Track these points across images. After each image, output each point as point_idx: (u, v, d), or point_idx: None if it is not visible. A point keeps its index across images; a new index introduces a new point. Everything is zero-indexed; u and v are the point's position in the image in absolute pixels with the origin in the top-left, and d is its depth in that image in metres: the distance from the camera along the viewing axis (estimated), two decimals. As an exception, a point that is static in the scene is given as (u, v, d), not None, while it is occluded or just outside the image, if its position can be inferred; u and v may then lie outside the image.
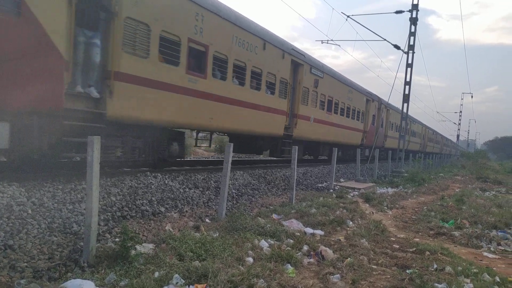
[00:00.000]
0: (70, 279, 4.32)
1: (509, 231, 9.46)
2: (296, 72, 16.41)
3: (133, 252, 5.08)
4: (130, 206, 7.43)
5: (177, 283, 4.45)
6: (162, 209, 7.87)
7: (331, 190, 13.93)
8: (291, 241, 6.67)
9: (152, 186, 8.56)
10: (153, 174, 9.18)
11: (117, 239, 5.79)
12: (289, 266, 5.49)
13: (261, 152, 16.70)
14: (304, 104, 17.12)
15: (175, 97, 9.86)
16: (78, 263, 4.95)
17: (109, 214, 6.85)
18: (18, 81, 6.51)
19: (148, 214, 7.46)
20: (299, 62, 16.25)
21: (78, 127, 7.46)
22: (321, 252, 6.20)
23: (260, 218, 7.95)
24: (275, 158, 19.30)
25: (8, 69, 6.38)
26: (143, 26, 8.77)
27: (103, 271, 4.71)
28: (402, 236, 8.34)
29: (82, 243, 5.32)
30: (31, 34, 6.66)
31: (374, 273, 5.72)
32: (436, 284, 5.25)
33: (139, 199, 7.80)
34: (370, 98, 27.02)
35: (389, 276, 5.62)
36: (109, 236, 6.07)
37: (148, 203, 7.81)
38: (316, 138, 18.99)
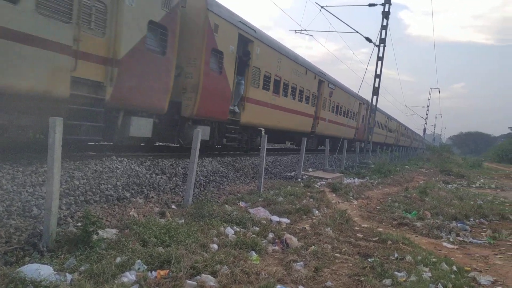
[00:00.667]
0: (27, 264, 4.21)
1: (468, 222, 9.80)
2: (320, 87, 23.60)
3: (95, 237, 4.97)
4: (94, 190, 7.28)
5: (139, 268, 4.40)
6: (127, 194, 7.74)
7: (299, 179, 14.04)
8: (257, 228, 6.69)
9: (118, 171, 8.40)
10: (119, 159, 9.01)
11: (79, 224, 5.66)
12: (253, 253, 5.50)
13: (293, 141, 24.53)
14: (322, 108, 24.20)
15: (266, 110, 16.63)
16: (37, 248, 4.81)
17: (71, 198, 6.69)
18: (223, 103, 13.39)
19: (113, 199, 7.33)
20: (322, 80, 23.66)
21: (228, 129, 14.35)
22: (286, 240, 6.25)
23: (227, 206, 7.93)
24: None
25: (218, 99, 12.88)
26: (257, 70, 15.51)
27: (62, 256, 4.60)
28: (366, 225, 8.49)
29: (42, 227, 5.17)
30: (223, 82, 13.08)
31: (337, 261, 5.81)
32: (396, 273, 5.37)
33: (104, 184, 7.64)
34: (362, 102, 33.22)
35: (351, 264, 5.71)
36: (71, 221, 5.93)
37: (113, 188, 7.67)
38: (328, 133, 25.05)
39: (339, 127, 27.16)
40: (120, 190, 7.74)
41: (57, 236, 4.97)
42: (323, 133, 24.68)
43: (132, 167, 8.93)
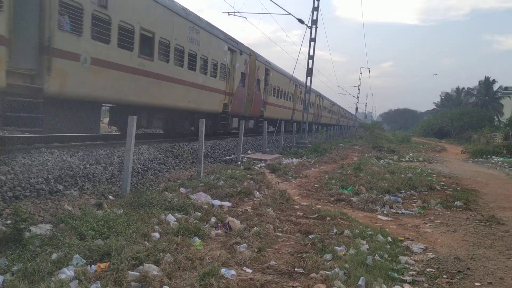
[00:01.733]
0: (-49, 268, 3.90)
1: (400, 195, 10.35)
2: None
3: (27, 234, 4.71)
4: (23, 185, 6.86)
5: (77, 263, 4.23)
6: (61, 187, 7.38)
7: (239, 162, 14.09)
8: (199, 214, 6.65)
9: (49, 163, 7.97)
10: (49, 151, 8.54)
11: (8, 222, 5.32)
12: (196, 238, 5.47)
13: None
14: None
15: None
16: (-38, 250, 4.47)
17: (-2, 194, 6.27)
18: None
19: (45, 193, 6.96)
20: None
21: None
22: (228, 223, 6.27)
23: (167, 193, 7.81)
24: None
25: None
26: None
27: (-9, 256, 4.31)
28: (305, 203, 8.71)
29: (-34, 227, 4.81)
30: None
31: (279, 240, 5.92)
32: (336, 247, 5.58)
33: (34, 178, 7.22)
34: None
35: (293, 242, 5.85)
36: (-1, 219, 5.56)
37: (44, 181, 7.27)
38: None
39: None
40: (52, 183, 7.36)
41: (-16, 236, 4.65)
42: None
43: (64, 158, 8.50)
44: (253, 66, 21.59)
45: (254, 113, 22.68)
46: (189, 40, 14.24)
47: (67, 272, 4.01)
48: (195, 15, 15.16)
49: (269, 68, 24.58)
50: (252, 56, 21.68)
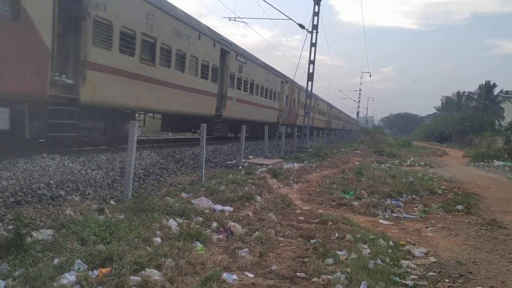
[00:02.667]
0: (-47, 274, 3.91)
1: (401, 199, 10.33)
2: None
3: (28, 239, 4.71)
4: (25, 190, 6.87)
5: (79, 268, 4.23)
6: (62, 193, 7.39)
7: (240, 167, 14.09)
8: (200, 218, 6.64)
9: (50, 169, 7.98)
10: (50, 156, 8.55)
11: (10, 227, 5.33)
12: (198, 243, 5.47)
13: None
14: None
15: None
16: (-36, 255, 4.47)
17: (0, 200, 6.28)
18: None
19: (46, 198, 6.97)
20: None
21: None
22: (230, 228, 6.26)
23: (168, 198, 7.81)
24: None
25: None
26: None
27: (-7, 262, 4.32)
28: (307, 208, 8.71)
29: (-32, 233, 4.81)
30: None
31: (281, 244, 5.92)
32: (338, 252, 5.57)
33: (36, 183, 7.23)
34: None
35: (294, 247, 5.85)
36: (1, 224, 5.57)
37: (45, 187, 7.28)
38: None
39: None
40: (54, 189, 7.37)
41: (-14, 242, 4.65)
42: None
43: (66, 163, 8.52)
44: (292, 90, 30.29)
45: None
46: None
47: (69, 277, 4.01)
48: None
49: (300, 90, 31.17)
50: (291, 84, 30.42)
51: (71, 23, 9.33)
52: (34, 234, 5.00)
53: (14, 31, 7.56)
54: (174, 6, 13.50)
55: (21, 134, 8.22)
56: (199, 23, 15.81)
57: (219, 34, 17.62)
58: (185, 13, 14.58)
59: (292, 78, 28.89)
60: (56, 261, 4.32)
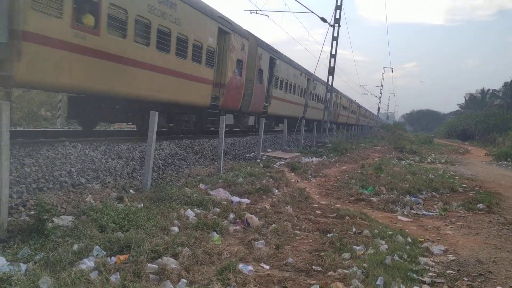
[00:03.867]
0: (-23, 255, 4.02)
1: (420, 196, 10.20)
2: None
3: (49, 225, 4.82)
4: (47, 177, 7.01)
5: (97, 254, 4.30)
6: (83, 180, 7.52)
7: (258, 160, 14.10)
8: (218, 209, 6.68)
9: (72, 157, 8.12)
10: (72, 144, 8.69)
11: (32, 212, 5.45)
12: (215, 234, 5.51)
13: None
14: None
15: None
16: (-13, 238, 4.60)
17: (22, 186, 6.41)
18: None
19: (67, 186, 7.09)
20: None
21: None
22: (246, 220, 6.28)
23: (186, 188, 7.86)
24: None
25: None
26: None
27: (15, 245, 4.43)
28: (324, 202, 8.67)
29: (-9, 217, 4.93)
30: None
31: (297, 238, 5.91)
32: (355, 246, 5.53)
33: (57, 170, 7.37)
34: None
35: (311, 240, 5.83)
36: (23, 209, 5.69)
37: (67, 174, 7.41)
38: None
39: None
40: (75, 176, 7.50)
41: (9, 226, 4.77)
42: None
43: (87, 152, 8.65)
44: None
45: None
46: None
47: (88, 263, 4.08)
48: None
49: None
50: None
51: None
52: (55, 220, 5.09)
53: None
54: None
55: None
56: (270, 46, 21.52)
57: (270, 46, 21.46)
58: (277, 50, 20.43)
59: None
60: (75, 246, 4.40)
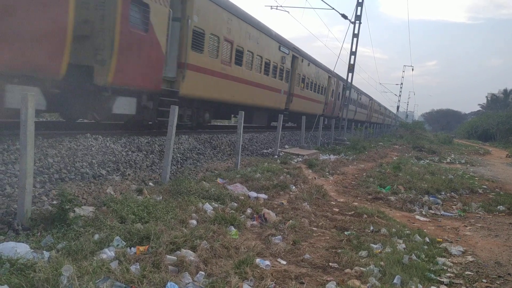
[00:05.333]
0: (2, 242, 4.13)
1: (439, 196, 10.09)
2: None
3: (71, 214, 4.91)
4: (69, 168, 7.15)
5: (118, 245, 4.38)
6: (103, 172, 7.64)
7: (276, 156, 14.11)
8: (235, 204, 6.72)
9: (93, 148, 8.26)
10: (93, 136, 8.84)
11: (54, 202, 5.56)
12: (232, 228, 5.55)
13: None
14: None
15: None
16: (12, 226, 4.71)
17: (46, 176, 6.56)
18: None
19: (88, 177, 7.22)
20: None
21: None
22: (264, 215, 6.31)
23: (204, 182, 7.92)
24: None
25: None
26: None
27: (39, 234, 4.53)
28: (342, 200, 8.65)
29: (16, 205, 5.06)
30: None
31: (314, 234, 5.92)
32: (372, 245, 5.52)
33: (79, 161, 7.51)
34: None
35: (328, 238, 5.84)
36: (46, 199, 5.81)
37: (88, 166, 7.54)
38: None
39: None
40: (96, 168, 7.63)
41: (32, 215, 4.88)
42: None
43: (108, 144, 8.78)
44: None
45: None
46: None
47: (108, 253, 4.16)
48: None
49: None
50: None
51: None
52: (77, 210, 5.19)
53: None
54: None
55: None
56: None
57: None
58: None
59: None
60: (96, 236, 4.49)
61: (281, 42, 20.64)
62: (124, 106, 9.90)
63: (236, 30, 15.09)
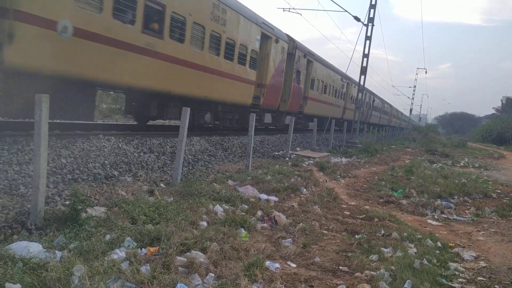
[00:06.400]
0: (16, 241, 4.19)
1: (452, 200, 9.97)
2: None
3: (83, 215, 4.96)
4: (81, 169, 7.23)
5: (128, 246, 4.41)
6: (116, 173, 7.71)
7: (287, 158, 14.10)
8: (246, 206, 6.73)
9: (105, 149, 8.34)
10: (106, 137, 8.93)
11: (67, 202, 5.63)
12: (242, 230, 5.55)
13: None
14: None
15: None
16: (25, 226, 4.77)
17: (59, 176, 6.64)
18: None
19: (101, 178, 7.29)
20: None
21: None
22: (274, 217, 6.30)
23: (215, 184, 7.95)
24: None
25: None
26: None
27: (51, 233, 4.59)
28: (353, 203, 8.60)
29: (29, 205, 5.13)
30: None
31: (325, 237, 5.90)
32: (383, 249, 5.48)
33: (92, 162, 7.59)
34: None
35: (338, 241, 5.81)
36: (59, 199, 5.89)
37: (100, 167, 7.62)
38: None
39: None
40: (108, 169, 7.70)
41: (45, 214, 4.94)
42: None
43: (120, 145, 8.87)
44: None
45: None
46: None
47: (119, 253, 4.19)
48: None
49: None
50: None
51: None
52: (89, 210, 5.24)
53: None
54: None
55: None
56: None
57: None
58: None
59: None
60: (108, 237, 4.53)
61: (344, 76, 27.25)
62: None
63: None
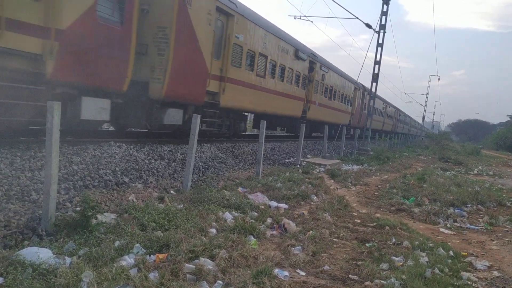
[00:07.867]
0: (26, 247, 4.22)
1: (465, 209, 9.83)
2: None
3: (93, 221, 4.99)
4: (92, 175, 7.28)
5: (137, 252, 4.42)
6: (126, 180, 7.75)
7: (298, 166, 14.05)
8: (255, 213, 6.71)
9: (116, 156, 8.40)
10: (117, 144, 9.00)
11: (77, 208, 5.67)
12: (252, 237, 5.53)
13: None
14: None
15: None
16: (36, 231, 4.82)
17: (70, 183, 6.69)
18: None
19: (111, 184, 7.33)
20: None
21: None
22: (284, 225, 6.28)
23: (225, 191, 7.95)
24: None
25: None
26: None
27: (62, 239, 4.62)
28: (364, 211, 8.53)
29: (40, 211, 5.18)
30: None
31: (335, 246, 5.84)
32: (394, 257, 5.41)
33: (102, 169, 7.64)
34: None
35: (349, 249, 5.75)
36: (70, 205, 5.94)
37: (111, 173, 7.67)
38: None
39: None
40: (119, 175, 7.75)
41: (56, 220, 4.98)
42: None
43: (131, 152, 8.92)
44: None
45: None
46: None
47: (128, 260, 4.20)
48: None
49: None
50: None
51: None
52: (99, 216, 5.27)
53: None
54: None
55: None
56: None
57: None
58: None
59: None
60: (117, 243, 4.55)
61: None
62: None
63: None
